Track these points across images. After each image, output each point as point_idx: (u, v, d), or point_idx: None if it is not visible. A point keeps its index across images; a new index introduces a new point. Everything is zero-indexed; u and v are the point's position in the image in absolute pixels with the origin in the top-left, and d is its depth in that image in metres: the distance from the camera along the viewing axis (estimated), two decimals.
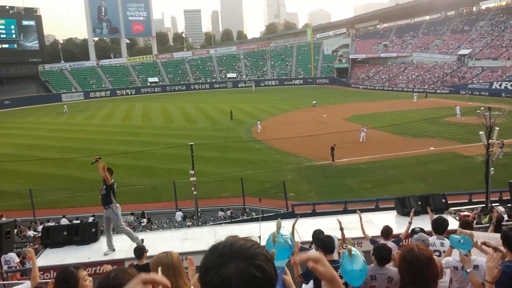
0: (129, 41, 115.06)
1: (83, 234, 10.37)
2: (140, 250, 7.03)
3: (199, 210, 19.83)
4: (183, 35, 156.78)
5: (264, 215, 17.45)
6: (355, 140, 33.81)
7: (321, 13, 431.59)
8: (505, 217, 15.06)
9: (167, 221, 20.88)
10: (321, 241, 5.18)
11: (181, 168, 26.36)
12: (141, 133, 43.25)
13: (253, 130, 42.39)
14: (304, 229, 10.39)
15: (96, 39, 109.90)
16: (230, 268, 1.27)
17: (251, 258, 1.29)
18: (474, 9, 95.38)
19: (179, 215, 20.87)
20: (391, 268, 4.67)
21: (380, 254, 4.69)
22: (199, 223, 18.47)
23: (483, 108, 19.24)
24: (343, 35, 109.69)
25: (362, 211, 15.89)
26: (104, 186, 9.55)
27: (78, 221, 15.60)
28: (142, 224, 19.75)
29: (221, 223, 17.34)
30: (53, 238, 10.22)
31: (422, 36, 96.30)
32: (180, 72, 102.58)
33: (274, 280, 1.32)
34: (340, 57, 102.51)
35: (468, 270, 3.76)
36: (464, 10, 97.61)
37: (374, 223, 10.86)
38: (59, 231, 10.45)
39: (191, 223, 19.26)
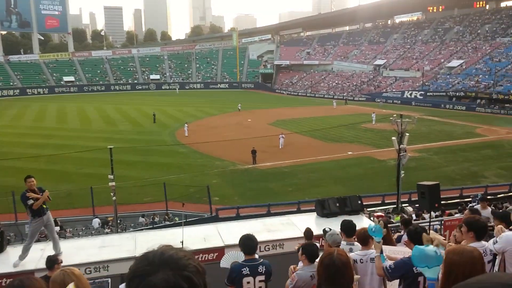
0: (42, 37, 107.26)
1: None
2: (51, 261, 6.49)
3: (118, 216, 18.91)
4: (103, 33, 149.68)
5: (187, 220, 17.08)
6: (277, 145, 34.54)
7: (247, 18, 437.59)
8: (413, 216, 16.23)
9: (83, 228, 19.63)
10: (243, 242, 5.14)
11: (99, 172, 24.98)
12: (55, 136, 40.36)
13: (177, 134, 41.59)
14: (229, 232, 10.33)
15: (3, 32, 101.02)
16: (157, 277, 1.22)
17: (180, 269, 1.25)
18: (389, 22, 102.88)
19: (96, 222, 19.73)
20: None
21: (309, 251, 4.91)
22: (118, 230, 17.60)
23: (395, 115, 20.64)
24: (268, 41, 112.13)
25: (284, 213, 16.21)
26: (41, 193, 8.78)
27: None
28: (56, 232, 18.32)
29: (142, 229, 16.66)
30: None
31: (342, 45, 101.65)
32: (99, 71, 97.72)
33: None
34: (265, 63, 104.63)
35: (376, 255, 4.34)
36: (380, 23, 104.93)
37: (296, 225, 11.06)
38: None
39: (109, 230, 18.28)
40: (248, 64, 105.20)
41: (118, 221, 18.98)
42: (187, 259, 1.29)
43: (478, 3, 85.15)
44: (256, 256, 5.17)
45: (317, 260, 4.90)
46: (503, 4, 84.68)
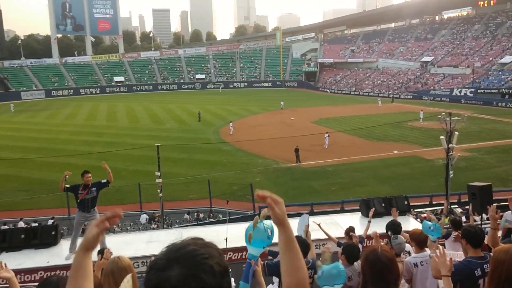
0: (94, 39, 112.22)
1: (42, 237, 9.96)
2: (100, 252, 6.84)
3: (164, 212, 19.51)
4: (151, 34, 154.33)
5: (231, 217, 17.35)
6: (322, 143, 34.25)
7: (291, 17, 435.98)
8: (463, 218, 15.63)
9: (131, 223, 20.41)
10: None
11: (146, 169, 25.87)
12: (105, 134, 42.16)
13: (221, 132, 42.21)
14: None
15: (59, 36, 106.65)
16: (169, 272, 1.24)
17: (192, 267, 1.24)
18: (437, 18, 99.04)
19: (144, 218, 20.45)
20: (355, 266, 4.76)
21: (350, 252, 4.87)
22: (165, 226, 18.17)
23: (444, 113, 19.93)
24: (311, 40, 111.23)
25: (328, 213, 16.12)
26: (94, 189, 9.38)
27: (37, 224, 14.99)
28: None
29: (187, 226, 17.12)
30: (10, 241, 9.76)
31: (388, 42, 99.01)
32: (147, 72, 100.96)
33: None
34: (309, 61, 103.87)
35: (432, 255, 3.89)
36: (428, 19, 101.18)
37: (339, 224, 11.00)
38: (16, 234, 9.99)
39: (156, 225, 18.91)
40: (292, 63, 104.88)
41: (164, 217, 19.58)
42: (204, 257, 1.27)
43: None
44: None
45: (358, 261, 4.86)
46: None
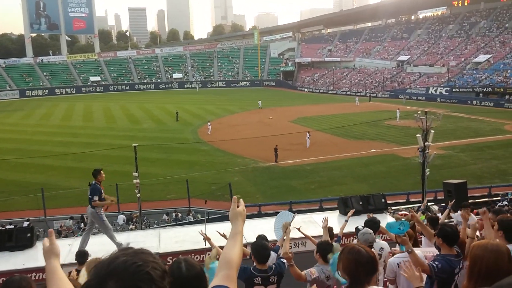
0: (69, 38, 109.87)
1: (17, 240, 9.64)
2: (84, 255, 6.66)
3: (143, 213, 19.21)
4: (127, 33, 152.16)
5: (209, 217, 17.22)
6: (301, 142, 34.38)
7: (268, 16, 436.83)
8: (439, 215, 15.90)
9: None
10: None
11: (124, 170, 25.45)
12: (81, 134, 41.32)
13: (199, 132, 41.94)
14: (251, 230, 10.34)
15: (33, 35, 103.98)
16: None
17: (128, 278, 1.17)
18: (413, 17, 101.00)
19: (121, 219, 20.11)
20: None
21: (324, 250, 4.87)
22: (143, 226, 17.89)
23: (420, 112, 20.26)
24: (289, 39, 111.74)
25: (306, 211, 16.15)
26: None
27: (12, 226, 14.56)
28: (82, 228, 18.77)
29: (165, 226, 16.89)
30: None
31: (364, 42, 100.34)
32: (124, 71, 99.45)
33: None
34: (287, 60, 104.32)
35: (410, 250, 4.07)
36: (403, 19, 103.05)
37: (317, 223, 11.01)
38: None
39: (134, 226, 18.61)
40: (270, 62, 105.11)
41: (142, 218, 19.29)
42: (138, 265, 1.20)
43: None
44: (268, 264, 4.81)
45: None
46: None
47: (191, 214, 20.79)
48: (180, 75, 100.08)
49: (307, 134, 34.01)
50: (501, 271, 2.44)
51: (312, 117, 49.06)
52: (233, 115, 53.71)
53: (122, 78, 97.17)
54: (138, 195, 18.18)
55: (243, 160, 30.65)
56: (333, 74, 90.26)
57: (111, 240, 9.58)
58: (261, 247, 4.82)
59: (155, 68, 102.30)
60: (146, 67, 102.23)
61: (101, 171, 9.52)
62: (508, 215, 4.91)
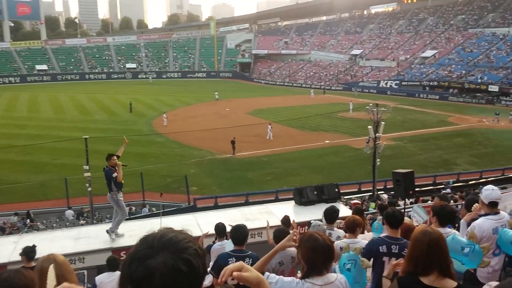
0: (13, 24, 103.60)
1: None
2: (34, 251, 6.35)
3: (94, 207, 18.65)
4: (77, 20, 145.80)
5: (165, 210, 17.00)
6: (258, 134, 34.56)
7: (225, 7, 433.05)
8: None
9: (57, 220, 19.29)
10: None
11: (74, 163, 24.54)
12: (28, 126, 39.31)
13: (154, 123, 41.11)
14: (208, 222, 10.32)
15: None
16: (156, 260, 1.21)
17: (180, 252, 1.24)
18: (365, 12, 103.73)
19: (69, 214, 19.41)
20: (292, 249, 4.84)
21: (278, 237, 4.92)
22: (94, 221, 17.36)
23: (371, 104, 20.92)
24: (246, 30, 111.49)
25: (263, 202, 16.30)
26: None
27: None
28: (28, 225, 17.95)
29: None
30: None
31: (320, 35, 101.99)
32: (73, 60, 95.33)
33: (202, 276, 1.29)
34: (243, 52, 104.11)
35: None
36: (357, 13, 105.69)
37: (274, 213, 11.15)
38: None
39: (84, 221, 18.03)
40: (226, 53, 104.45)
41: (94, 212, 18.72)
42: (187, 241, 1.28)
43: None
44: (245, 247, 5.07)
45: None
46: None
47: (146, 207, 20.41)
48: (134, 65, 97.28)
49: (269, 126, 34.20)
50: (437, 254, 2.61)
51: (268, 109, 49.39)
52: (189, 106, 53.05)
53: (71, 68, 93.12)
54: (89, 189, 17.65)
55: (200, 152, 30.40)
56: (289, 66, 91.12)
57: (115, 226, 9.90)
58: (240, 227, 5.02)
59: (107, 58, 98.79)
60: (97, 56, 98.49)
61: (113, 156, 9.88)
62: (442, 202, 5.24)
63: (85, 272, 6.67)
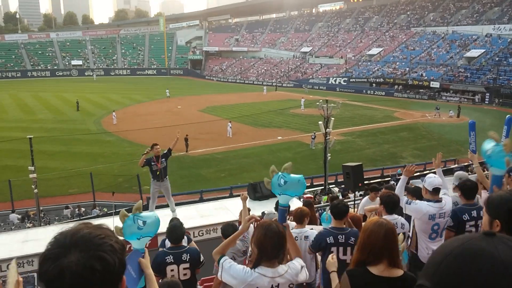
0: None
1: None
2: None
3: (42, 210, 17.86)
4: (17, 15, 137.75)
5: (117, 210, 16.58)
6: (210, 131, 34.43)
7: (174, 3, 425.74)
8: (340, 196, 17.16)
9: (1, 224, 18.30)
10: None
11: (18, 164, 23.41)
12: None
13: (103, 122, 39.84)
14: (162, 220, 10.21)
15: None
16: (68, 259, 1.17)
17: (92, 249, 1.20)
18: (314, 10, 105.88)
19: (14, 217, 18.47)
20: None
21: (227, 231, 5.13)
22: (42, 224, 16.64)
23: (321, 100, 21.49)
24: (196, 27, 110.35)
25: (217, 199, 16.33)
26: (163, 159, 10.56)
27: None
28: None
29: (68, 222, 15.90)
30: None
31: (270, 33, 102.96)
32: (13, 57, 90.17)
33: (118, 272, 1.25)
34: (194, 49, 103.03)
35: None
36: (306, 11, 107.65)
37: (229, 209, 11.25)
38: None
39: (31, 224, 17.23)
40: (177, 50, 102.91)
41: (42, 215, 17.94)
42: (101, 237, 1.24)
43: None
44: (184, 243, 5.14)
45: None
46: None
47: (96, 208, 19.81)
48: (80, 62, 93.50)
49: (229, 123, 34.06)
50: (390, 244, 2.78)
51: (221, 106, 49.31)
52: (140, 104, 51.85)
53: (11, 65, 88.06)
54: (35, 190, 16.87)
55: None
56: (240, 63, 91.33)
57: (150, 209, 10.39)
58: (176, 227, 5.06)
59: (50, 54, 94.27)
60: (40, 52, 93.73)
61: (154, 146, 10.44)
62: (389, 191, 5.55)
63: (35, 274, 6.45)
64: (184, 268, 4.87)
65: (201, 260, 5.05)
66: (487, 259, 0.90)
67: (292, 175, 3.67)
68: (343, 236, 4.60)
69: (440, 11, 79.63)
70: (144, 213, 2.67)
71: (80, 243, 1.20)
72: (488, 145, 3.33)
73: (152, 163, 10.29)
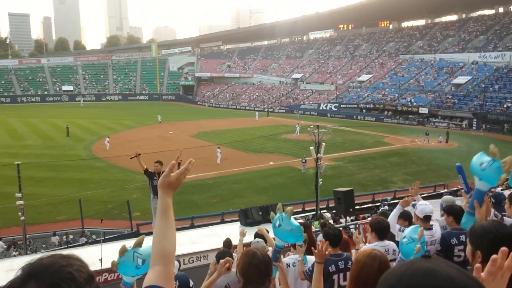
0: None
1: None
2: None
3: (28, 237, 17.47)
4: (8, 41, 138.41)
5: (106, 237, 16.29)
6: (202, 157, 34.29)
7: (166, 30, 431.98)
8: (331, 221, 17.06)
9: None
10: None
11: (5, 191, 23.00)
12: None
13: (94, 148, 39.58)
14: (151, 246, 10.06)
15: None
16: None
17: (49, 277, 1.17)
18: (305, 38, 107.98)
19: (0, 245, 18.00)
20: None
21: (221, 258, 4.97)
22: (28, 252, 16.25)
23: (312, 126, 21.64)
24: (188, 53, 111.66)
25: (208, 225, 16.15)
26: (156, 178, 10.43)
27: None
28: None
29: (55, 249, 15.56)
30: None
31: (262, 59, 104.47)
32: (3, 82, 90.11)
33: None
34: (186, 75, 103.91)
35: (299, 259, 4.46)
36: (296, 39, 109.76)
37: (219, 235, 11.10)
38: None
39: (18, 252, 16.80)
40: (169, 76, 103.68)
41: (28, 243, 17.53)
42: (61, 265, 1.21)
43: (382, 23, 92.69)
44: (175, 270, 5.09)
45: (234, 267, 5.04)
46: (404, 25, 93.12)
47: (84, 236, 19.42)
48: (71, 87, 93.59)
49: (218, 149, 33.97)
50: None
51: (213, 131, 49.38)
52: (131, 130, 51.74)
53: (1, 90, 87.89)
54: (22, 217, 16.54)
55: (142, 177, 29.30)
56: (232, 89, 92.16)
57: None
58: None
59: (41, 79, 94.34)
60: (30, 78, 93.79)
61: (155, 163, 10.84)
62: (378, 217, 5.52)
63: None
64: None
65: (191, 286, 4.95)
66: (437, 275, 1.03)
67: (292, 220, 3.68)
68: (342, 262, 4.56)
69: (427, 39, 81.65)
70: (144, 249, 2.57)
71: (38, 272, 1.19)
72: (484, 158, 3.26)
73: (155, 178, 10.57)
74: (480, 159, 3.18)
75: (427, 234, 4.67)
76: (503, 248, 1.30)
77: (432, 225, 4.78)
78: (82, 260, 1.29)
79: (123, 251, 2.51)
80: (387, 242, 4.97)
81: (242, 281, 2.90)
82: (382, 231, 4.84)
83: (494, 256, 1.30)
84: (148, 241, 2.51)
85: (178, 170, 1.86)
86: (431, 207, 4.86)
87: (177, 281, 4.82)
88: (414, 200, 5.41)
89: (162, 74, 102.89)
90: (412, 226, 3.84)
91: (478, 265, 1.31)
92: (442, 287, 1.01)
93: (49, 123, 55.39)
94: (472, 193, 3.35)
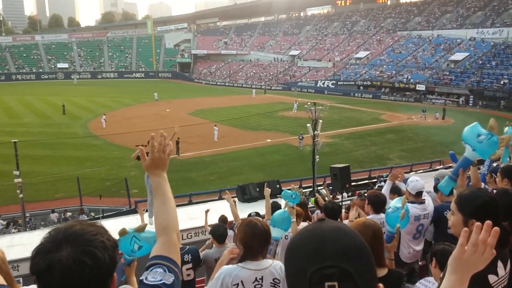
0: None
1: None
2: None
3: (26, 214, 17.62)
4: (1, 17, 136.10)
5: (104, 214, 16.45)
6: (199, 134, 34.34)
7: (162, 6, 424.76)
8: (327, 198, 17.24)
9: None
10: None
11: (2, 169, 23.02)
12: None
13: (90, 125, 39.48)
14: (150, 223, 10.19)
15: None
16: (59, 253, 1.19)
17: (83, 244, 1.22)
18: (302, 14, 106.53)
19: None
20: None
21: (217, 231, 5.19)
22: (27, 229, 16.42)
23: (309, 103, 21.61)
24: (184, 30, 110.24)
25: (206, 202, 16.30)
26: None
27: None
28: None
29: (54, 226, 15.71)
30: None
31: (259, 36, 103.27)
32: None
33: (109, 269, 1.26)
34: (182, 52, 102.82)
35: (293, 220, 4.53)
36: (294, 15, 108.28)
37: (217, 211, 11.23)
38: None
39: (17, 229, 16.98)
40: (165, 53, 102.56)
41: (27, 220, 17.70)
42: (93, 234, 1.26)
43: None
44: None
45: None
46: (402, 0, 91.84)
47: (84, 214, 19.59)
48: (66, 65, 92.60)
49: (215, 127, 33.93)
50: (377, 243, 2.83)
51: (210, 109, 49.23)
52: (128, 107, 51.51)
53: None
54: (21, 195, 16.64)
55: None
56: (229, 66, 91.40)
57: (148, 207, 10.03)
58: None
59: (35, 57, 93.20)
60: (24, 55, 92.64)
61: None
62: (376, 190, 5.61)
63: (21, 279, 6.37)
64: (187, 269, 4.89)
65: (201, 259, 5.07)
66: (311, 233, 1.10)
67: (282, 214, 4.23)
68: None
69: (425, 15, 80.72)
70: (144, 235, 2.60)
71: (72, 238, 1.23)
72: (481, 130, 3.22)
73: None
74: (477, 130, 3.16)
75: (420, 208, 4.76)
76: (488, 222, 1.27)
77: (424, 199, 4.86)
78: (106, 229, 1.35)
79: (122, 233, 2.58)
80: (382, 215, 5.07)
81: (242, 249, 2.99)
82: (379, 204, 4.92)
83: (478, 223, 1.29)
84: (149, 229, 2.56)
85: (150, 149, 1.90)
86: (422, 183, 4.93)
87: (189, 254, 4.94)
88: (399, 177, 5.48)
89: (158, 51, 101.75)
90: (397, 198, 3.90)
91: (466, 228, 1.34)
92: (312, 243, 1.07)
93: (45, 101, 55.04)
94: (459, 160, 3.35)
